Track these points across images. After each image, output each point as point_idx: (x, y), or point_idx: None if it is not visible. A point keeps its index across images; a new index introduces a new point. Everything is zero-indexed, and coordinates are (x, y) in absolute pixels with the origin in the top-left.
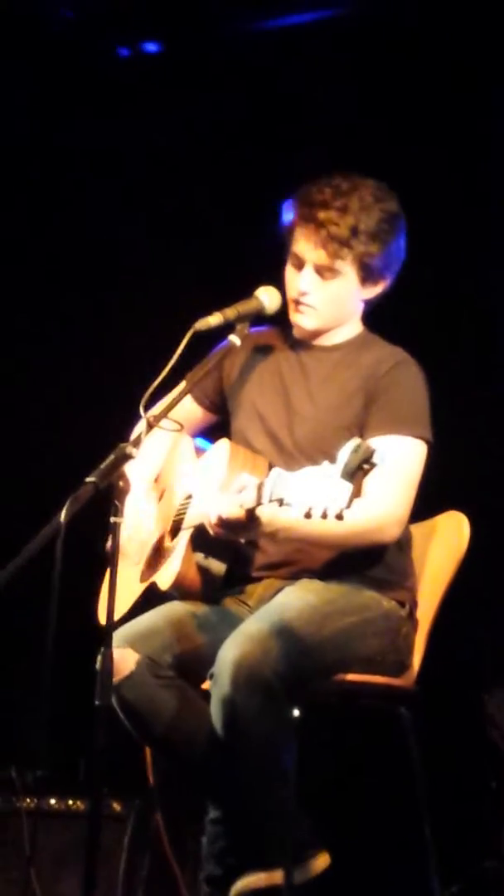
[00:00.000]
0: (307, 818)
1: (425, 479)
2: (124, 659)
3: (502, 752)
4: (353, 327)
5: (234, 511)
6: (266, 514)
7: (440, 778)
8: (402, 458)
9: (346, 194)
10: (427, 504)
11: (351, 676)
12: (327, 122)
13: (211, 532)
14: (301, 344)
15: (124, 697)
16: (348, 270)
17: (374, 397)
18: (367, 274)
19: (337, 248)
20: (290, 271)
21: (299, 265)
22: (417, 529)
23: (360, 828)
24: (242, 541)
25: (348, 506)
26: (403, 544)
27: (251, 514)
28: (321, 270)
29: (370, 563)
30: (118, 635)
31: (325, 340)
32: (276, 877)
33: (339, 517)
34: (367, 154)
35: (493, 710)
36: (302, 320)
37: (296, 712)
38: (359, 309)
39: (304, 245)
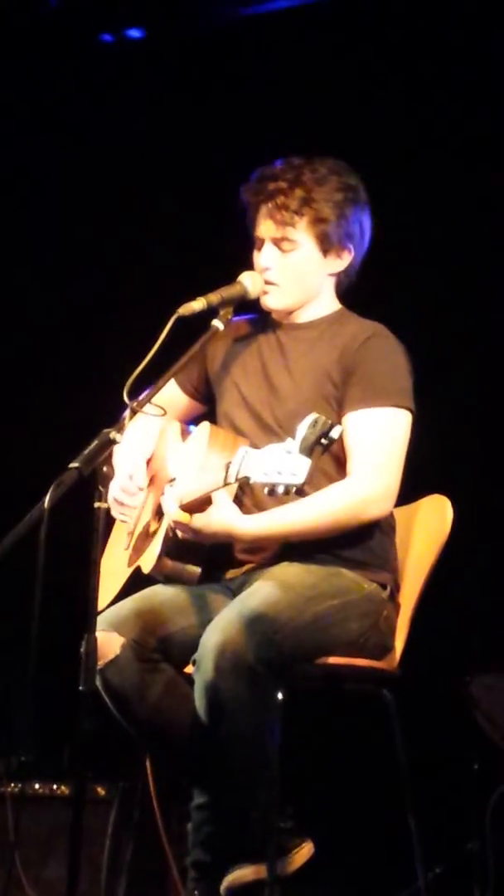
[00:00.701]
0: (290, 804)
1: (408, 462)
2: (109, 643)
3: (485, 734)
4: (327, 303)
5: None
6: (224, 527)
7: (423, 760)
8: (383, 431)
9: (297, 168)
10: (410, 487)
11: (333, 659)
12: (311, 107)
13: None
14: (279, 325)
15: (109, 681)
16: (305, 240)
17: (352, 371)
18: (327, 244)
19: (289, 216)
20: (255, 254)
21: (261, 244)
22: (400, 513)
23: (343, 810)
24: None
25: (306, 481)
26: (386, 527)
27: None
28: (278, 243)
29: (352, 546)
30: (102, 619)
31: (301, 318)
32: (264, 870)
33: (300, 492)
34: (351, 139)
35: (476, 692)
36: (269, 300)
37: (279, 696)
38: (327, 283)
39: (261, 222)
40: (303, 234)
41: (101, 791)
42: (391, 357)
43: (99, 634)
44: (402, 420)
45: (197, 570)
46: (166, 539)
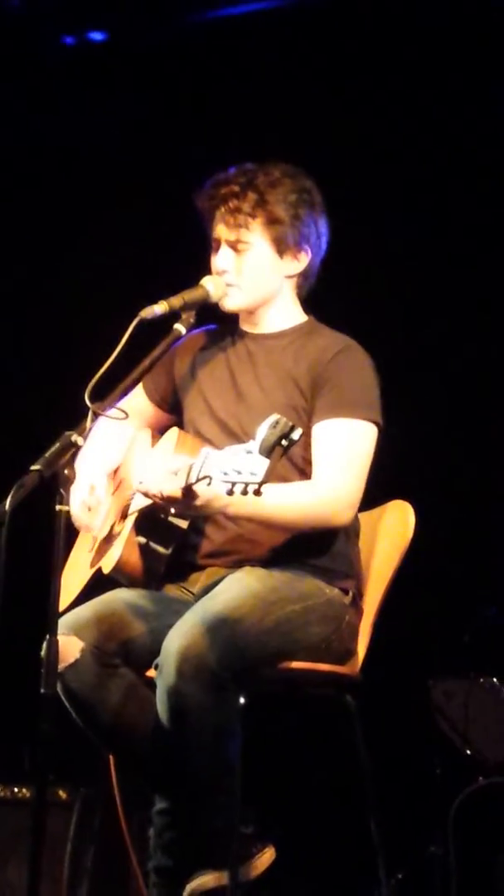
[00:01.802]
0: (252, 810)
1: (372, 468)
2: (69, 647)
3: (447, 740)
4: (293, 312)
5: (165, 489)
6: (207, 491)
7: (385, 765)
8: (349, 442)
9: (251, 172)
10: (373, 493)
11: (296, 664)
12: (274, 111)
13: (149, 499)
14: (247, 335)
15: (69, 685)
16: (259, 241)
17: (320, 383)
18: (282, 245)
19: (242, 218)
20: (212, 257)
21: (217, 247)
22: (364, 518)
23: (305, 816)
24: (192, 514)
25: (265, 481)
26: (350, 533)
27: (186, 492)
28: (233, 245)
29: (314, 552)
30: (63, 623)
31: (268, 327)
32: (226, 876)
33: (258, 493)
34: (315, 142)
35: (438, 697)
36: (227, 302)
37: (241, 701)
38: (286, 286)
39: (216, 225)
40: (257, 236)
41: (62, 794)
42: (361, 371)
43: (59, 638)
44: (368, 433)
45: (157, 571)
46: (142, 519)
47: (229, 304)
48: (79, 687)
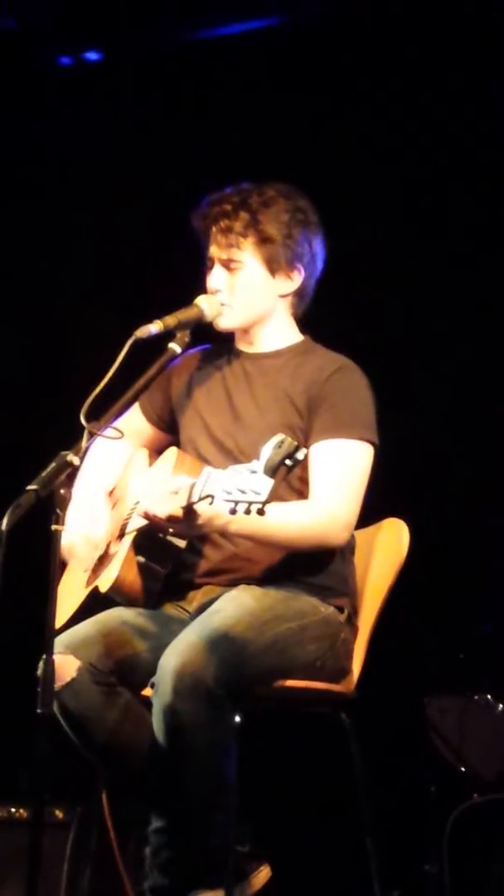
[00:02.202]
0: (248, 828)
1: (367, 486)
2: (65, 665)
3: (442, 757)
4: (288, 331)
5: (166, 509)
6: (208, 510)
7: (381, 782)
8: (346, 462)
9: (245, 192)
10: (368, 511)
11: (291, 682)
12: (266, 131)
13: (149, 520)
14: (243, 354)
15: (66, 705)
16: (250, 260)
17: (317, 403)
18: (274, 264)
19: (234, 238)
20: (207, 277)
21: (211, 266)
22: (359, 536)
23: (301, 834)
24: (192, 534)
25: (268, 500)
26: (345, 550)
27: (187, 511)
28: (226, 264)
29: (310, 570)
30: (59, 642)
31: (264, 346)
32: (222, 895)
33: (261, 512)
34: (306, 160)
35: (433, 714)
36: (221, 321)
37: (236, 719)
38: (280, 306)
39: (211, 245)
40: (248, 255)
41: (59, 814)
42: (357, 391)
43: (56, 657)
44: (365, 452)
45: (154, 590)
46: (139, 538)
47: (223, 324)
48: (75, 706)
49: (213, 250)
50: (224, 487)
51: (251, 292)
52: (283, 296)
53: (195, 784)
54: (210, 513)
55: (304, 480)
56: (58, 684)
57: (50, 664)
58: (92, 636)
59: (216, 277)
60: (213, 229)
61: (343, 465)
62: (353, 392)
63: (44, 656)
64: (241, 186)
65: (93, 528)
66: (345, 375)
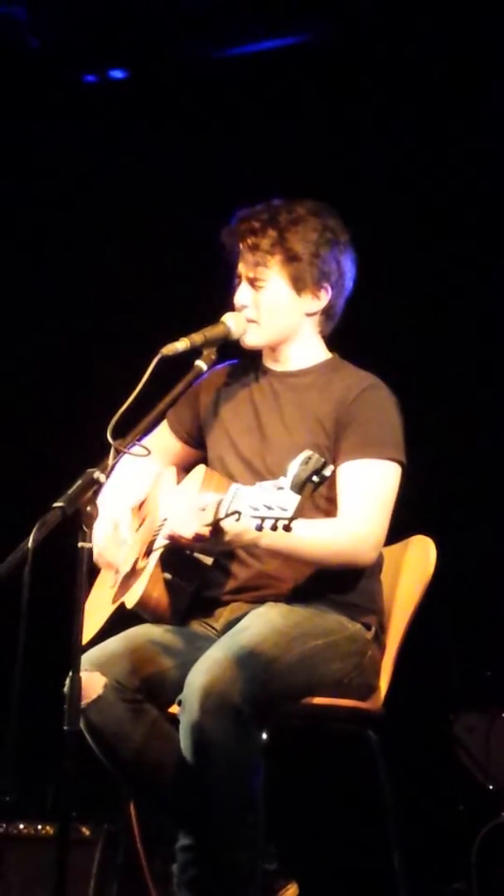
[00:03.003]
0: (274, 846)
1: (394, 505)
2: (92, 683)
3: (470, 774)
4: (316, 349)
5: (193, 527)
6: (235, 526)
7: (408, 800)
8: (375, 482)
9: (275, 209)
10: (395, 528)
11: (318, 700)
12: (292, 148)
13: (175, 541)
14: (271, 372)
15: (92, 721)
16: (276, 278)
17: (345, 423)
18: (300, 283)
19: (261, 256)
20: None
21: (239, 283)
22: (386, 553)
23: (328, 851)
24: (219, 550)
25: (294, 517)
26: (373, 568)
27: (214, 528)
28: (252, 282)
29: (337, 588)
30: (86, 659)
31: (291, 365)
32: None
33: (287, 528)
34: (331, 179)
35: (460, 732)
36: (247, 338)
37: (263, 736)
38: (307, 324)
39: (240, 261)
40: (275, 273)
41: (85, 831)
42: (385, 410)
43: (83, 674)
44: (393, 473)
45: (180, 607)
46: (167, 555)
47: (249, 341)
48: (102, 723)
49: (241, 267)
50: (251, 504)
51: (276, 310)
52: (309, 314)
53: (222, 801)
54: (237, 529)
55: (332, 500)
56: (84, 701)
57: (76, 681)
58: (119, 653)
59: (242, 294)
60: (241, 246)
61: (371, 485)
62: (381, 411)
63: (70, 673)
64: (273, 203)
65: (117, 551)
66: (373, 395)
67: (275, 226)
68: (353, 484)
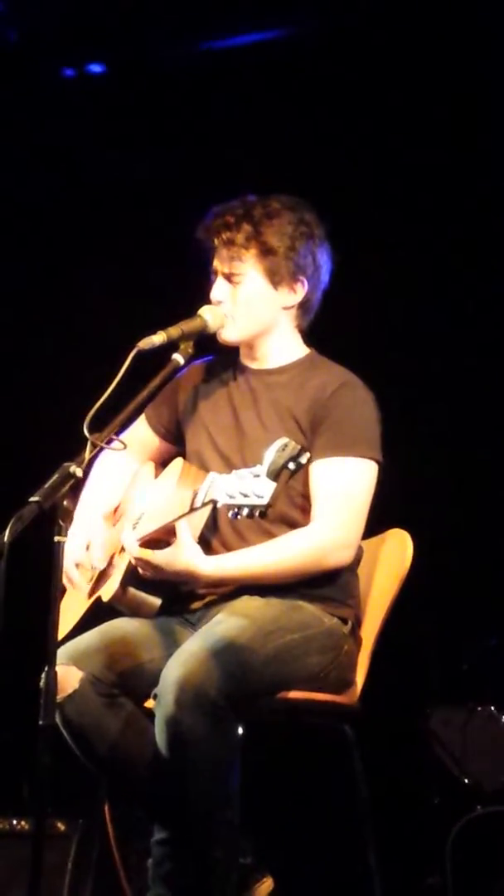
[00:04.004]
0: (250, 840)
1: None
2: (68, 677)
3: (445, 768)
4: (293, 345)
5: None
6: (188, 568)
7: (383, 795)
8: (348, 481)
9: (249, 204)
10: (371, 522)
11: (294, 694)
12: (269, 142)
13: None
14: (248, 370)
15: (68, 716)
16: (252, 273)
17: (320, 421)
18: (276, 277)
19: (236, 251)
20: (211, 289)
21: (215, 278)
22: (363, 546)
23: (303, 846)
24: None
25: (270, 504)
26: (351, 563)
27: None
28: (228, 277)
29: (314, 581)
30: (61, 653)
31: (270, 362)
32: None
33: (263, 515)
34: (309, 172)
35: (436, 726)
36: (224, 333)
37: (239, 730)
38: (284, 318)
39: (215, 257)
40: (250, 267)
41: (61, 826)
42: (360, 408)
43: (58, 668)
44: (368, 471)
45: (156, 601)
46: (127, 572)
47: (226, 336)
48: (77, 717)
49: (217, 262)
50: (227, 492)
51: (253, 305)
52: (286, 308)
53: (198, 795)
54: (189, 567)
55: (308, 497)
56: (60, 695)
57: (52, 676)
58: (94, 647)
59: (219, 289)
60: (216, 241)
61: (345, 484)
62: (356, 409)
63: (46, 668)
64: (247, 199)
65: (92, 550)
66: (348, 392)
67: (249, 220)
68: (326, 483)
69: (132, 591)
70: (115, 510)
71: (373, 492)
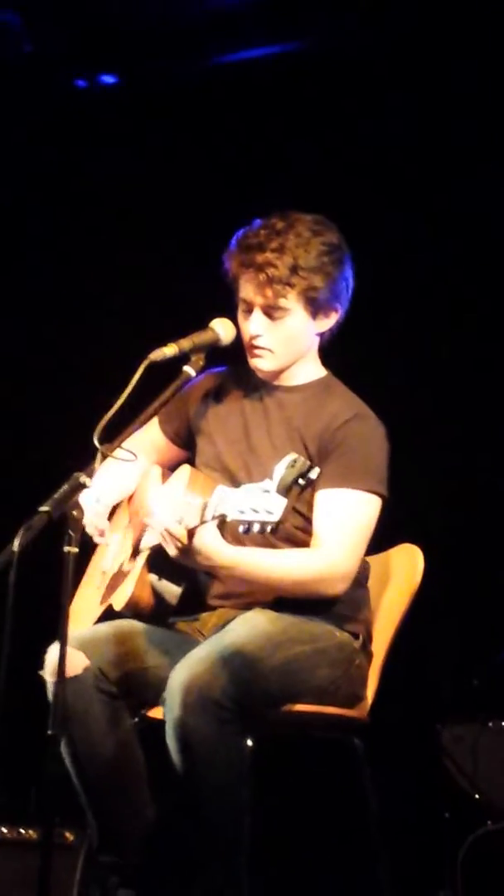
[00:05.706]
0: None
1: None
2: (73, 660)
3: (456, 784)
4: (313, 367)
5: (175, 528)
6: (206, 547)
7: (393, 809)
8: (352, 513)
9: (281, 233)
10: (382, 536)
11: (303, 707)
12: (284, 156)
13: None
14: (264, 384)
15: (59, 694)
16: (295, 307)
17: (329, 450)
18: (316, 307)
19: (279, 288)
20: (241, 316)
21: (249, 309)
22: (373, 562)
23: (313, 860)
24: (188, 564)
25: (281, 520)
26: (360, 577)
27: (191, 535)
28: (269, 311)
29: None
30: (73, 637)
31: (287, 381)
32: None
33: (274, 531)
34: (325, 186)
35: (447, 741)
36: (260, 363)
37: (248, 743)
38: (315, 342)
39: (249, 289)
40: (293, 303)
41: (69, 836)
42: (370, 441)
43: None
44: (371, 505)
45: (168, 609)
46: (154, 556)
47: (263, 367)
48: (71, 701)
49: (252, 296)
50: (237, 507)
51: (294, 337)
52: (319, 333)
53: (208, 802)
54: (209, 545)
55: (311, 521)
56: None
57: (62, 686)
58: (106, 641)
59: (256, 323)
60: (254, 275)
61: (348, 516)
62: (366, 442)
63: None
64: (273, 224)
65: (102, 552)
66: (358, 425)
67: (288, 253)
68: (329, 513)
69: (153, 583)
70: (129, 502)
71: (373, 527)
